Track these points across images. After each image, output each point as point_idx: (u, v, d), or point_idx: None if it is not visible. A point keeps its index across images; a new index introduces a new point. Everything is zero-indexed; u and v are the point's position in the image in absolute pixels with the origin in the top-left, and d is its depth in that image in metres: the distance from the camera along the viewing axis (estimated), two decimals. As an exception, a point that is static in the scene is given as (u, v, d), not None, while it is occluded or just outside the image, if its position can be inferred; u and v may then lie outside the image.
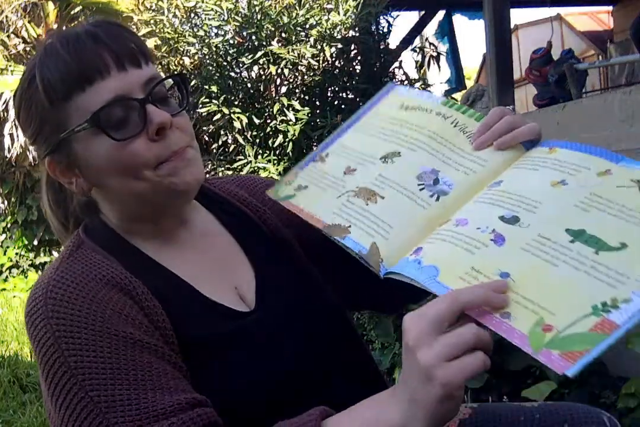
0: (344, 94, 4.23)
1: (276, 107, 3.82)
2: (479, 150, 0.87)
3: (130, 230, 0.87)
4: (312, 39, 3.88)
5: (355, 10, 3.92)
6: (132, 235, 0.87)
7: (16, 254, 6.18)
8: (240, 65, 3.96)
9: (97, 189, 0.85)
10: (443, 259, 0.75)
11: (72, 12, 6.57)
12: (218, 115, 3.83)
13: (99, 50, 0.78)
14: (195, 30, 4.08)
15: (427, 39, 5.03)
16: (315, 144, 3.85)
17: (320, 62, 3.98)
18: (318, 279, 0.96)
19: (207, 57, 4.07)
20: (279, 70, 3.86)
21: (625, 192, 0.74)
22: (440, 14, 5.75)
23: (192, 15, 4.15)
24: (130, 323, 0.75)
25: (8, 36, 6.57)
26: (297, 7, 3.86)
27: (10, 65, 6.07)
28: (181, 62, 4.31)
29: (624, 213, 0.72)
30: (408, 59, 4.80)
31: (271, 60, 3.82)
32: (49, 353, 0.73)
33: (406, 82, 4.12)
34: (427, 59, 4.59)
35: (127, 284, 0.78)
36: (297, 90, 4.10)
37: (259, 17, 3.82)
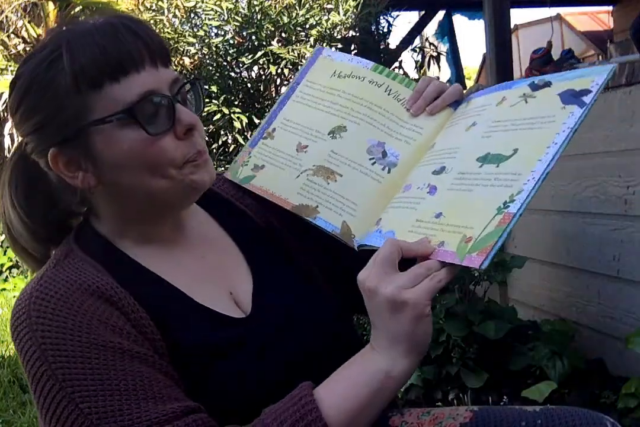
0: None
1: (276, 107, 3.81)
2: (416, 115, 0.95)
3: (124, 234, 0.85)
4: (312, 39, 3.88)
5: (355, 10, 3.92)
6: (125, 240, 0.85)
7: (16, 254, 6.17)
8: (240, 65, 3.96)
9: (104, 185, 0.82)
10: (395, 221, 0.85)
11: (72, 12, 6.56)
12: (218, 115, 3.83)
13: (137, 43, 0.77)
14: (195, 30, 4.07)
15: (427, 39, 5.03)
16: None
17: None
18: (319, 281, 0.95)
19: (207, 57, 4.07)
20: (279, 70, 3.85)
21: (516, 108, 0.84)
22: (440, 14, 5.75)
23: (192, 15, 4.14)
24: (118, 333, 0.73)
25: (8, 36, 6.56)
26: (297, 7, 3.85)
27: (10, 65, 6.06)
28: (181, 62, 4.30)
29: (515, 125, 0.82)
30: (408, 59, 4.80)
31: (271, 60, 3.82)
32: (35, 366, 0.71)
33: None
34: (427, 59, 4.58)
35: (113, 295, 0.76)
36: (297, 90, 4.09)
37: (259, 17, 3.82)
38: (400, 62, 4.31)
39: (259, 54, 3.77)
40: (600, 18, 9.07)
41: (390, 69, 4.31)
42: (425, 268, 0.72)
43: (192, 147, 0.80)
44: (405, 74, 4.24)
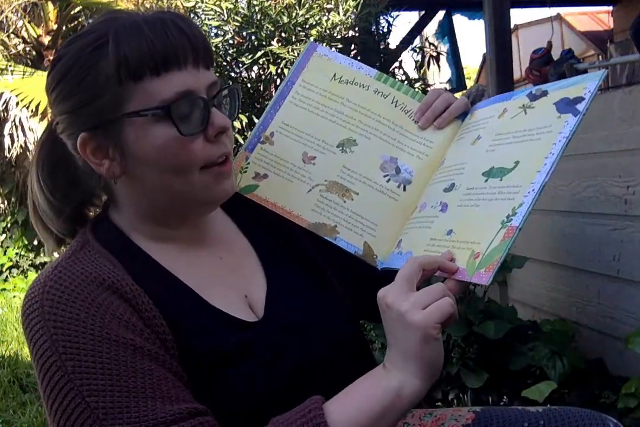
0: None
1: (276, 107, 3.81)
2: (424, 128, 0.95)
3: (142, 230, 0.85)
4: (312, 39, 3.87)
5: (355, 11, 3.91)
6: (141, 235, 0.85)
7: (16, 254, 6.17)
8: (240, 65, 3.95)
9: (127, 177, 0.81)
10: (413, 242, 0.86)
11: (72, 12, 6.56)
12: (218, 115, 3.82)
13: (183, 40, 0.76)
14: (195, 30, 4.07)
15: (427, 39, 5.02)
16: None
17: (320, 62, 3.97)
18: (335, 287, 0.94)
19: (207, 57, 4.06)
20: (279, 70, 3.85)
21: (516, 119, 0.85)
22: (440, 14, 5.74)
23: (192, 15, 4.14)
24: (131, 329, 0.73)
25: (8, 36, 6.56)
26: (297, 7, 3.85)
27: (10, 65, 6.06)
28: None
29: (516, 137, 0.82)
30: (408, 59, 4.80)
31: (271, 60, 3.82)
32: (45, 356, 0.71)
33: (406, 82, 4.11)
34: (427, 59, 4.57)
35: (128, 292, 0.75)
36: (297, 90, 4.09)
37: (258, 17, 3.81)
38: (400, 62, 4.30)
39: (259, 54, 3.76)
40: (600, 18, 9.06)
41: (390, 69, 4.27)
42: (443, 289, 0.72)
43: (218, 149, 0.81)
44: (405, 74, 4.23)
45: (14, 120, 5.48)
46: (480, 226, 0.77)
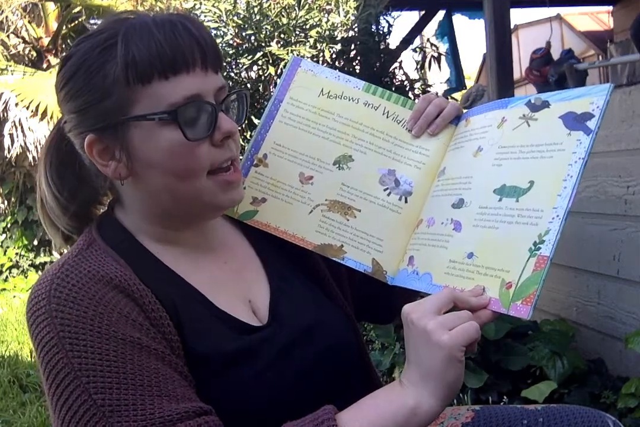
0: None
1: (276, 107, 3.81)
2: (418, 135, 0.93)
3: (148, 232, 0.84)
4: (311, 40, 3.87)
5: (355, 12, 3.91)
6: (148, 237, 0.84)
7: (16, 254, 6.17)
8: (240, 66, 3.96)
9: (134, 179, 0.81)
10: (430, 263, 0.84)
11: (72, 13, 6.56)
12: (218, 116, 3.81)
13: (192, 43, 0.76)
14: (195, 30, 4.06)
15: (428, 39, 5.01)
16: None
17: (320, 63, 3.97)
18: (338, 295, 0.94)
19: (207, 57, 4.06)
20: (279, 71, 3.85)
21: (519, 131, 0.82)
22: (440, 14, 5.74)
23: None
24: (138, 328, 0.73)
25: (8, 36, 6.56)
26: (297, 8, 3.85)
27: (10, 65, 6.06)
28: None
29: (524, 152, 0.79)
30: (408, 59, 4.80)
31: (270, 61, 3.82)
32: (51, 353, 0.71)
33: (406, 82, 4.11)
34: (427, 59, 4.57)
35: (135, 291, 0.75)
36: (297, 91, 4.08)
37: (257, 18, 3.81)
38: (401, 62, 4.30)
39: (258, 55, 3.76)
40: (600, 18, 9.06)
41: (391, 69, 4.27)
42: (469, 316, 0.72)
43: (224, 154, 0.80)
44: (405, 74, 4.24)
45: (14, 120, 5.49)
46: (504, 251, 0.75)
